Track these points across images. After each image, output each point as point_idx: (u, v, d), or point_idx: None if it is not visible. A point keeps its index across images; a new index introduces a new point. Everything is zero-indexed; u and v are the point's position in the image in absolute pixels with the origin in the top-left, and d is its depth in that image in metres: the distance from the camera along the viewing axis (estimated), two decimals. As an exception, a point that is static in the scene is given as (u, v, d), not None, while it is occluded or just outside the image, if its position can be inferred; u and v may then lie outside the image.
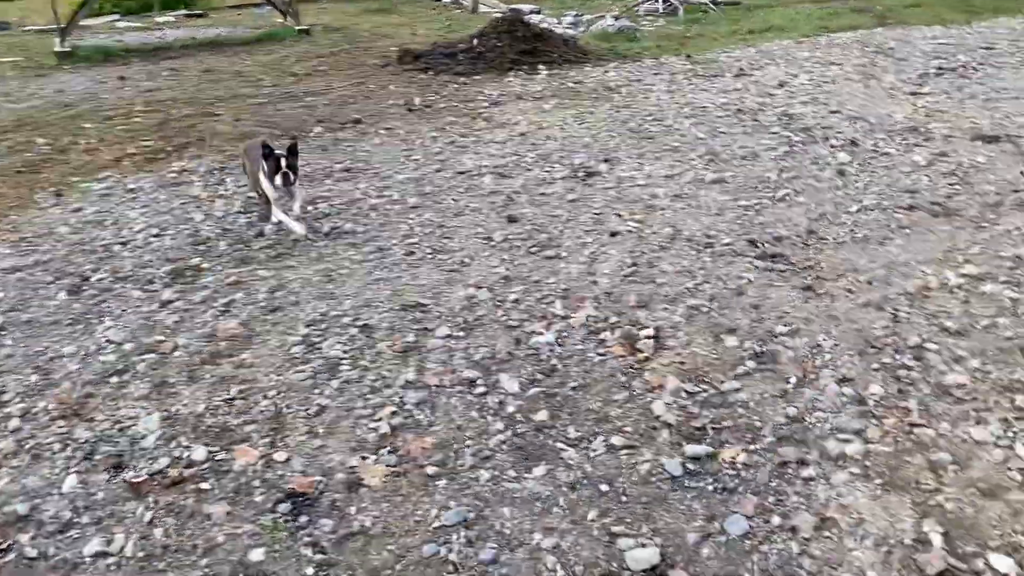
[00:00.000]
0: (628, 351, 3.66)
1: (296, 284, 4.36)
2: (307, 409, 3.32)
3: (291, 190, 4.85)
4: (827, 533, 2.65)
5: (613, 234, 4.84)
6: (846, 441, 3.01)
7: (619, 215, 5.08)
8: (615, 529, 2.69)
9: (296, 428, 3.21)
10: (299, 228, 4.86)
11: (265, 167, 4.72)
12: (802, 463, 2.94)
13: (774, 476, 2.90)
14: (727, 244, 4.61)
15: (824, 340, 3.62)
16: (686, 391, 3.36)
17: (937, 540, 2.59)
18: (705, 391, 3.36)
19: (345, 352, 3.69)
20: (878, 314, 3.78)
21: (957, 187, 5.31)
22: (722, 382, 3.41)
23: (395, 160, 6.40)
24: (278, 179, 4.69)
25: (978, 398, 3.21)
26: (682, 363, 3.55)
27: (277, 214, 4.92)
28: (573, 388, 3.42)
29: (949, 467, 2.89)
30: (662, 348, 3.67)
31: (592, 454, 3.04)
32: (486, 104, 8.20)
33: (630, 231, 4.87)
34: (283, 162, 4.65)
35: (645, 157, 6.24)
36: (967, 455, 2.94)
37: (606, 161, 6.15)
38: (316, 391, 3.43)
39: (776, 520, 2.70)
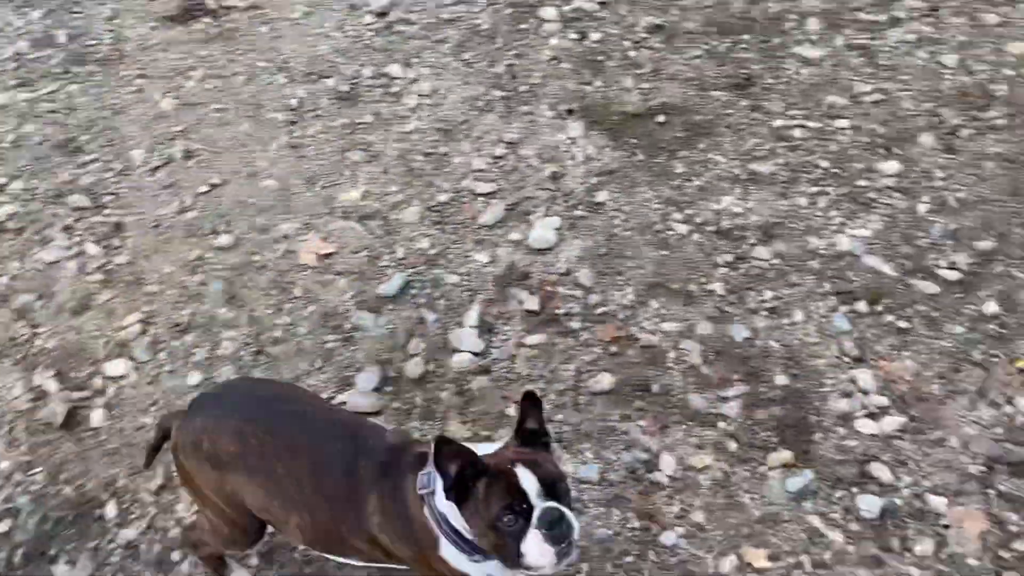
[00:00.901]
0: None
1: None
2: None
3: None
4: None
5: None
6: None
7: None
8: None
9: None
10: None
11: (492, 533, 1.69)
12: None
13: None
14: None
15: None
16: None
17: (52, 385, 2.51)
18: None
19: None
20: None
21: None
22: None
23: None
24: (543, 552, 1.67)
25: (39, 222, 3.02)
26: None
27: None
28: None
29: (36, 306, 2.75)
30: None
31: None
32: None
33: None
34: (544, 504, 1.66)
35: None
36: (50, 283, 2.82)
37: None
38: None
39: None
